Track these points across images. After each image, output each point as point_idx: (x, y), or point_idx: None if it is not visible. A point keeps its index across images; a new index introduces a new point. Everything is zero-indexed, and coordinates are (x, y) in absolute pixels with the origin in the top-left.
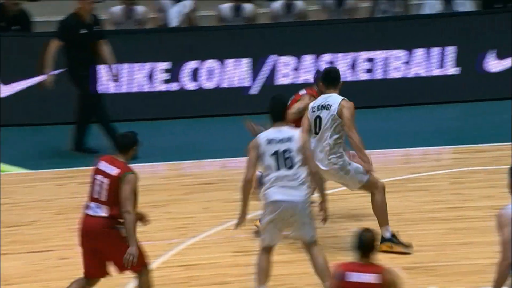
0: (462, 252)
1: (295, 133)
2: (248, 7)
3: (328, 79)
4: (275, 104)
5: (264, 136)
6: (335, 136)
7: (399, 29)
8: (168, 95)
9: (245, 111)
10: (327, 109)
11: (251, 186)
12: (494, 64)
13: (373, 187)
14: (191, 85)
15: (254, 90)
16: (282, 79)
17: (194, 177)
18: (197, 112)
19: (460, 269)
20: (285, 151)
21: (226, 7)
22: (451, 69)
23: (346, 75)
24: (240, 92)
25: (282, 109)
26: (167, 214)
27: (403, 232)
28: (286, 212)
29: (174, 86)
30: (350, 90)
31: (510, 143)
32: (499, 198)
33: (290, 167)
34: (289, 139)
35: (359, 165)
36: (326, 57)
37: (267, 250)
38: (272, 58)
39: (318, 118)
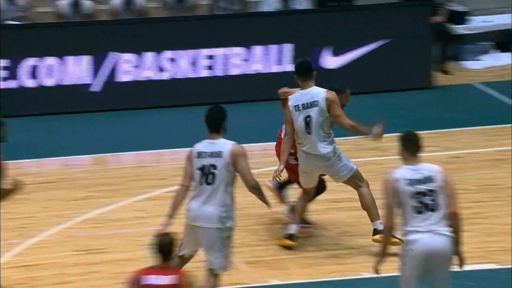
0: (302, 246)
1: (227, 148)
2: (87, 3)
3: (302, 71)
4: (211, 115)
5: (197, 148)
6: (328, 127)
7: (238, 26)
8: (6, 93)
9: (86, 108)
10: (314, 106)
11: (185, 194)
12: (330, 61)
13: (359, 179)
14: (30, 83)
15: (95, 88)
16: (123, 76)
17: (33, 176)
18: (37, 110)
19: (299, 262)
20: (210, 166)
21: (64, 3)
22: (288, 66)
23: (187, 72)
24: (80, 89)
25: (218, 120)
26: (6, 214)
27: (247, 227)
28: (199, 230)
29: (12, 84)
30: (192, 86)
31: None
32: (339, 191)
33: (211, 184)
34: (218, 154)
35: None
36: (167, 54)
37: (181, 259)
38: (112, 55)
39: (309, 117)
